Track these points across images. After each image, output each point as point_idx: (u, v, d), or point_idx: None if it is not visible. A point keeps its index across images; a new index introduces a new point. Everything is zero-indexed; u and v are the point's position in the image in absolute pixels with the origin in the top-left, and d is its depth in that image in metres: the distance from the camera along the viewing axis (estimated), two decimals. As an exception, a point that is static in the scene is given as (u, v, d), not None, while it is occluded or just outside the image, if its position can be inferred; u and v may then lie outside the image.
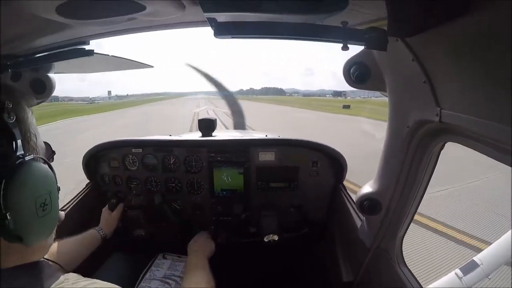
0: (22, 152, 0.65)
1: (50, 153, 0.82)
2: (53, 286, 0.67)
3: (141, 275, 1.72)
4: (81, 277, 0.75)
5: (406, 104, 1.02)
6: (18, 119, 0.67)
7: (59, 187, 0.73)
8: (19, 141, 0.64)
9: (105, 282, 0.76)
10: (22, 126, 0.68)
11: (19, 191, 0.61)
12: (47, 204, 0.66)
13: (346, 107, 42.97)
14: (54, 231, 0.78)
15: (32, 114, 0.75)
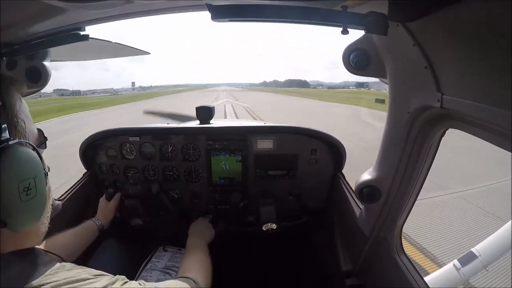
0: (8, 136, 0.65)
1: (42, 139, 0.82)
2: (48, 272, 0.68)
3: (142, 265, 1.73)
4: (77, 265, 0.76)
5: (407, 90, 1.00)
6: (4, 105, 0.68)
7: (46, 172, 0.73)
8: (4, 126, 0.65)
9: (99, 271, 0.77)
10: (9, 112, 0.69)
11: (1, 174, 0.62)
12: (31, 188, 0.66)
13: (380, 101, 32.75)
14: (47, 219, 0.79)
15: (21, 100, 0.75)
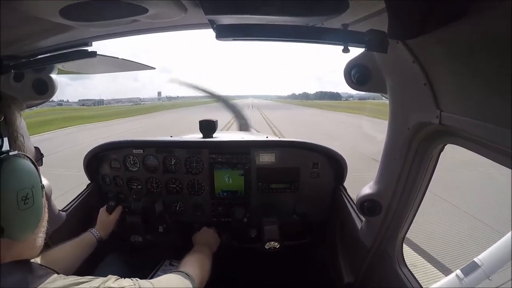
0: (8, 149, 0.69)
1: (38, 156, 0.86)
2: (46, 281, 0.71)
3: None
4: (72, 275, 0.78)
5: (407, 106, 1.02)
6: (6, 120, 0.73)
7: (43, 185, 0.76)
8: (5, 139, 0.69)
9: (93, 276, 0.80)
10: (9, 126, 0.74)
11: (1, 183, 0.65)
12: (29, 198, 0.70)
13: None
14: (43, 233, 0.82)
15: (21, 116, 0.80)
